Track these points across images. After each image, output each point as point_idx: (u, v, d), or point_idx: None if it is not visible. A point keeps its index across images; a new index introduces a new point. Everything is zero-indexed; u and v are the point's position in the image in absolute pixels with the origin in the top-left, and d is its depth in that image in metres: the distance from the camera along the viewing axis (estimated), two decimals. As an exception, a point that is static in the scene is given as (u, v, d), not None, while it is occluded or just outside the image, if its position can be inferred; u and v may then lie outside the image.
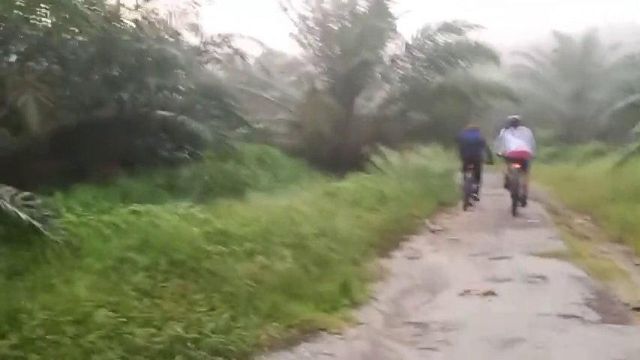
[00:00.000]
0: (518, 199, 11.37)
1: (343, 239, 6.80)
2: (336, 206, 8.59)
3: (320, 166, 15.37)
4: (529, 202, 12.85)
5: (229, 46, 12.48)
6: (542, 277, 6.34)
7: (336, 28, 17.68)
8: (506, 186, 11.98)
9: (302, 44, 18.22)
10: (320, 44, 17.83)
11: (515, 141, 11.69)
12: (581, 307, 5.31)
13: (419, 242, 8.76)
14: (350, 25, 17.52)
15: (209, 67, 14.03)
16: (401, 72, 17.59)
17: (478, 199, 13.07)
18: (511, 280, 6.26)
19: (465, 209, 12.43)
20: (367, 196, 10.11)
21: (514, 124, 12.07)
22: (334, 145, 16.70)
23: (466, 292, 5.76)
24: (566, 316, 5.02)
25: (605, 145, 23.50)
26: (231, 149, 10.90)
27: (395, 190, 11.83)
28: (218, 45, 12.03)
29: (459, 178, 14.04)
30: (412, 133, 18.13)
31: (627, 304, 5.41)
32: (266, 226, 6.09)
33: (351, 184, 11.02)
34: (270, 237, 5.84)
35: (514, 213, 11.32)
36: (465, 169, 12.89)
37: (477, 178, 12.94)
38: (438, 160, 23.64)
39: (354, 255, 6.70)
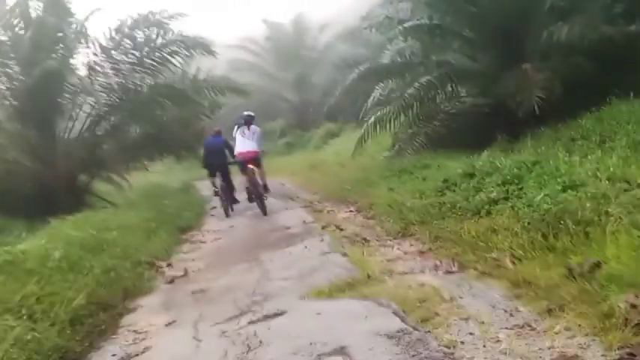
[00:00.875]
0: (262, 196, 10.52)
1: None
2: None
3: (25, 212, 11.22)
4: (285, 204, 10.69)
5: None
6: (344, 353, 3.59)
7: (4, 38, 13.30)
8: (247, 189, 10.88)
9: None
10: (-11, 61, 13.29)
11: (243, 142, 10.69)
12: None
13: (148, 312, 5.52)
14: (23, 33, 13.28)
15: None
16: (103, 80, 13.90)
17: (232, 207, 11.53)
18: (301, 379, 3.40)
19: (226, 215, 11.12)
20: (66, 256, 6.54)
21: (247, 122, 10.99)
22: (40, 181, 12.63)
23: None
24: None
25: (336, 126, 22.53)
26: None
27: (117, 228, 8.43)
28: None
29: (208, 187, 12.78)
30: (134, 148, 14.62)
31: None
32: None
33: (39, 242, 7.27)
34: None
35: (264, 212, 10.35)
36: (214, 177, 11.72)
37: (229, 184, 11.75)
38: (172, 174, 20.51)
39: None
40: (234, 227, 9.63)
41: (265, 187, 10.73)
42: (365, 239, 6.73)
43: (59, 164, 13.00)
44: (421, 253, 5.72)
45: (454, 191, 7.10)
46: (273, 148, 24.93)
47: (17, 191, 12.31)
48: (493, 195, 6.23)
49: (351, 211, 8.92)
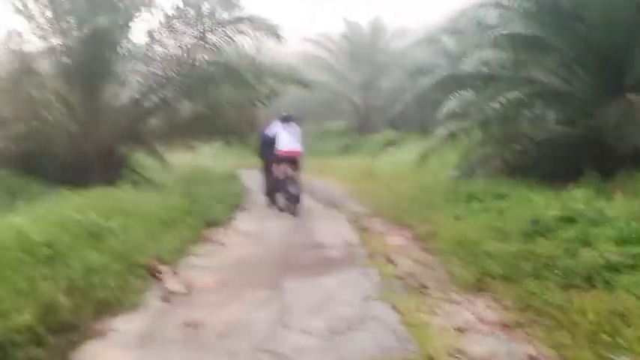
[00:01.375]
0: (295, 198, 9.46)
1: None
2: None
3: (55, 177, 10.03)
4: (328, 213, 9.07)
5: None
6: None
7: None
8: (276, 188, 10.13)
9: (25, 15, 12.19)
10: (48, 13, 12.00)
11: (290, 140, 9.77)
12: None
13: (116, 344, 3.85)
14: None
15: None
16: (161, 50, 12.45)
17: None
18: None
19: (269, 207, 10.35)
20: (49, 242, 4.95)
21: (286, 119, 10.09)
22: (76, 147, 11.39)
23: None
24: None
25: (397, 134, 20.63)
26: None
27: (130, 214, 6.87)
28: None
29: (256, 178, 11.78)
30: (183, 126, 13.10)
31: None
32: None
33: (21, 219, 5.71)
34: None
35: (295, 214, 9.33)
36: (268, 169, 10.72)
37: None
38: (221, 159, 19.06)
39: None
40: (265, 231, 7.93)
41: (298, 196, 9.66)
42: (423, 286, 4.87)
43: (99, 131, 11.64)
44: (505, 326, 3.85)
45: (548, 238, 5.18)
46: (328, 149, 23.27)
47: (51, 154, 11.07)
48: (612, 258, 4.29)
49: (405, 237, 7.07)
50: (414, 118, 20.51)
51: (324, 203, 10.86)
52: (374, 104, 24.65)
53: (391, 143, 19.67)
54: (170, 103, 12.77)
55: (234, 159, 19.86)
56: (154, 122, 12.99)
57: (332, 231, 7.67)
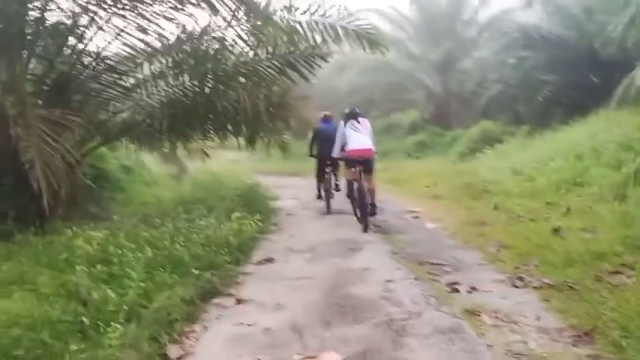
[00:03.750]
0: (368, 210, 6.93)
1: None
2: None
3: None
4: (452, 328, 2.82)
5: None
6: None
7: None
8: (350, 195, 7.47)
9: None
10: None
11: (358, 137, 7.23)
12: None
13: None
14: None
15: None
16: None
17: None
18: None
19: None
20: None
21: (354, 116, 7.39)
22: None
23: None
24: None
25: (500, 127, 14.13)
26: None
27: None
28: None
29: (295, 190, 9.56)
30: (168, 116, 7.12)
31: None
32: None
33: None
34: None
35: (365, 229, 6.73)
36: (323, 171, 8.51)
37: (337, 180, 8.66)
38: (251, 162, 13.26)
39: None
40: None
41: (373, 207, 7.01)
42: None
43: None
44: None
45: None
46: (397, 148, 17.08)
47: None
48: None
49: None
50: (518, 106, 14.03)
51: (417, 265, 4.73)
52: (455, 90, 18.22)
53: (491, 140, 13.21)
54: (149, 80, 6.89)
55: (275, 163, 14.01)
56: (119, 115, 7.14)
57: None
